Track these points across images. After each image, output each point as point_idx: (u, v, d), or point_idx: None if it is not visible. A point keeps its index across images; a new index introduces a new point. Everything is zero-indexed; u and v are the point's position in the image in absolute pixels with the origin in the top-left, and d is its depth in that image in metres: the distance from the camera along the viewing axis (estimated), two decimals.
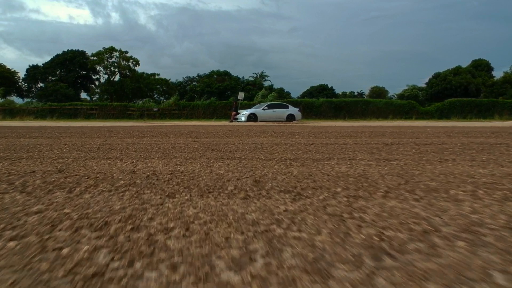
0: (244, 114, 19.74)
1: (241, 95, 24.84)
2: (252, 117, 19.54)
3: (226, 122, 19.88)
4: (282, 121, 19.84)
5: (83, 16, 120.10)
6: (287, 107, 21.02)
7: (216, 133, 7.41)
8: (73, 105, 29.26)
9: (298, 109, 21.43)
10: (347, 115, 28.33)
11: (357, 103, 30.15)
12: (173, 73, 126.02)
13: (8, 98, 53.15)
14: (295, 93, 57.31)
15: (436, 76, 55.99)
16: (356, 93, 62.86)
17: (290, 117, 20.34)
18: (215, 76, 59.74)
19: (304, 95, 53.87)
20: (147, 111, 28.43)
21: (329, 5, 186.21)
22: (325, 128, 10.49)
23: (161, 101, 30.96)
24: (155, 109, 28.49)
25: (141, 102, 29.56)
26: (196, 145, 4.54)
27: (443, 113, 29.18)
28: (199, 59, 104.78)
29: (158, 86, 60.28)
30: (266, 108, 20.28)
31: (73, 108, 28.57)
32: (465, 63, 56.26)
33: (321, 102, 29.98)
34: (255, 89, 49.78)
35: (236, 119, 20.22)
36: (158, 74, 60.99)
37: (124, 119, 27.15)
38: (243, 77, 59.96)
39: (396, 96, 57.12)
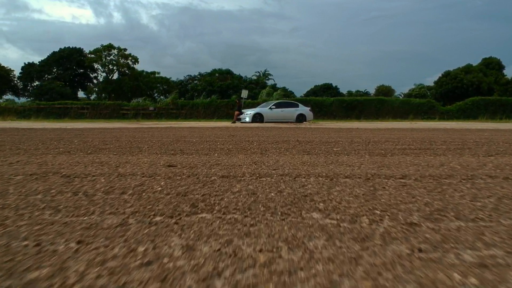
0: (248, 114, 17.37)
1: (244, 93, 22.50)
2: (257, 118, 17.17)
3: (228, 123, 17.55)
4: (291, 122, 17.48)
5: (86, 16, 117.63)
6: (297, 106, 18.64)
7: (212, 143, 5.06)
8: (63, 104, 26.97)
9: (309, 108, 19.05)
10: (362, 115, 25.86)
11: (371, 102, 27.67)
12: (175, 72, 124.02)
13: (4, 96, 51.33)
14: (297, 93, 54.99)
15: (446, 74, 53.48)
16: (360, 93, 60.53)
17: (301, 117, 17.98)
18: (217, 74, 57.44)
19: (308, 94, 51.66)
20: (143, 110, 26.10)
21: (329, 5, 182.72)
22: (355, 133, 8.11)
23: (158, 100, 28.64)
24: (151, 108, 26.15)
25: (135, 100, 27.19)
26: (162, 182, 2.17)
27: (466, 113, 26.64)
28: (201, 58, 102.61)
29: (158, 85, 58.04)
30: (274, 107, 17.90)
31: (63, 107, 26.30)
32: (466, 63, 53.87)
33: (332, 101, 27.54)
34: (258, 88, 47.41)
35: (239, 119, 17.87)
36: (158, 73, 58.77)
37: (117, 119, 24.87)
38: (245, 76, 57.59)
39: (403, 95, 54.71)
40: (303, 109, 18.40)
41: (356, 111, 26.56)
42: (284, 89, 46.96)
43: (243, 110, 18.35)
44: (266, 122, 16.92)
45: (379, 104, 27.17)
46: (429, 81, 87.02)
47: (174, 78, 59.49)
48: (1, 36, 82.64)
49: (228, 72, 58.18)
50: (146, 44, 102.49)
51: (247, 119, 17.09)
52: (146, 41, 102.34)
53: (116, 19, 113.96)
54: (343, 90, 57.24)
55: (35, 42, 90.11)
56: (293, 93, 48.26)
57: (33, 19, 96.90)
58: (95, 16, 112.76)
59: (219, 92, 43.45)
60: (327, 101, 27.54)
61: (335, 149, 4.25)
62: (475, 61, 54.51)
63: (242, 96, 22.29)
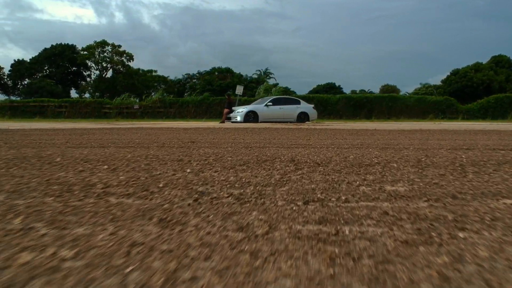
0: (240, 112, 14.53)
1: (239, 89, 19.65)
2: (251, 116, 14.35)
3: (217, 123, 14.79)
4: (291, 122, 14.66)
5: (87, 15, 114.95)
6: (298, 102, 15.79)
7: (97, 164, 2.28)
8: (38, 101, 24.27)
9: (312, 105, 16.22)
10: (372, 114, 22.97)
11: (382, 99, 24.76)
12: (178, 72, 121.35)
13: None
14: (299, 93, 52.23)
15: (455, 73, 50.69)
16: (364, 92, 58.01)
17: (303, 116, 15.13)
18: (216, 73, 54.69)
19: (311, 94, 49.11)
20: (127, 109, 23.40)
21: (330, 5, 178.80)
22: (381, 137, 5.31)
23: (144, 98, 25.90)
24: (136, 106, 23.43)
25: (119, 98, 24.45)
26: None
27: (488, 112, 23.69)
28: (203, 59, 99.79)
29: (156, 84, 55.44)
30: (271, 104, 15.01)
31: (39, 106, 23.61)
32: (468, 63, 51.00)
33: (338, 98, 24.70)
34: (259, 87, 44.74)
35: (229, 118, 15.07)
36: (155, 71, 56.15)
37: (98, 118, 22.18)
38: (246, 75, 54.83)
39: (408, 95, 52.31)
40: (306, 107, 15.56)
41: (365, 109, 23.70)
42: (286, 88, 43.91)
43: (234, 108, 15.50)
44: (261, 122, 14.13)
45: (391, 102, 24.25)
46: (431, 81, 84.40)
47: (174, 78, 56.99)
48: (4, 36, 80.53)
49: (228, 71, 55.37)
50: (148, 44, 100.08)
51: (239, 118, 14.28)
52: (148, 41, 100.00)
53: (118, 19, 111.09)
54: (346, 90, 54.51)
55: (37, 42, 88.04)
56: (295, 92, 45.39)
57: (36, 19, 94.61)
58: (96, 16, 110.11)
59: (219, 92, 40.85)
60: (332, 98, 24.69)
61: (391, 189, 1.47)
62: (477, 61, 51.69)
63: (236, 92, 19.49)
